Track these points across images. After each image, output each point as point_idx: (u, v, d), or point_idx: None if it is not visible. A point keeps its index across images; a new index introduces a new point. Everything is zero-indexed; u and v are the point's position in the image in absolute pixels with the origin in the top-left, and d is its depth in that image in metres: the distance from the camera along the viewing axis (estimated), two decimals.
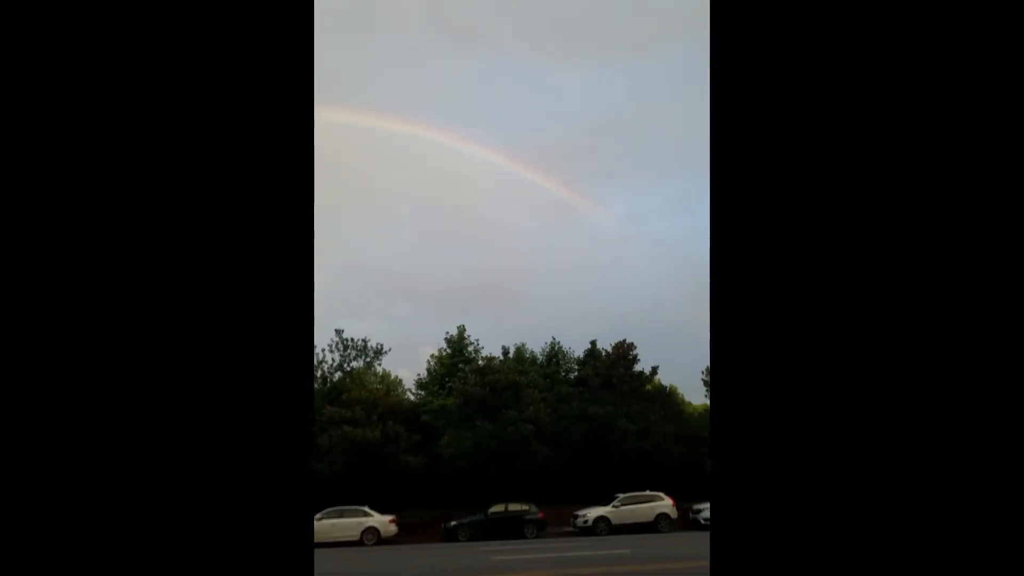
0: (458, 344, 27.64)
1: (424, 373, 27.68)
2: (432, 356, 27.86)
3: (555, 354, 28.53)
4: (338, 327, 27.78)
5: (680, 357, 38.56)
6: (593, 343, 27.02)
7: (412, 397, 27.16)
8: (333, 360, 27.30)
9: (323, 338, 27.50)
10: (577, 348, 28.21)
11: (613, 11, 44.77)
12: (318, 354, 26.87)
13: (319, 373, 26.82)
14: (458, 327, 27.94)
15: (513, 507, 19.50)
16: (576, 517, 19.61)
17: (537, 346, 28.87)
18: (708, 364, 27.09)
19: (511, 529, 18.83)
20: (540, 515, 19.42)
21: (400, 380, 28.19)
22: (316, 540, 18.23)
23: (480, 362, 25.74)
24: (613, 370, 24.77)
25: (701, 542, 15.31)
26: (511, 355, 27.63)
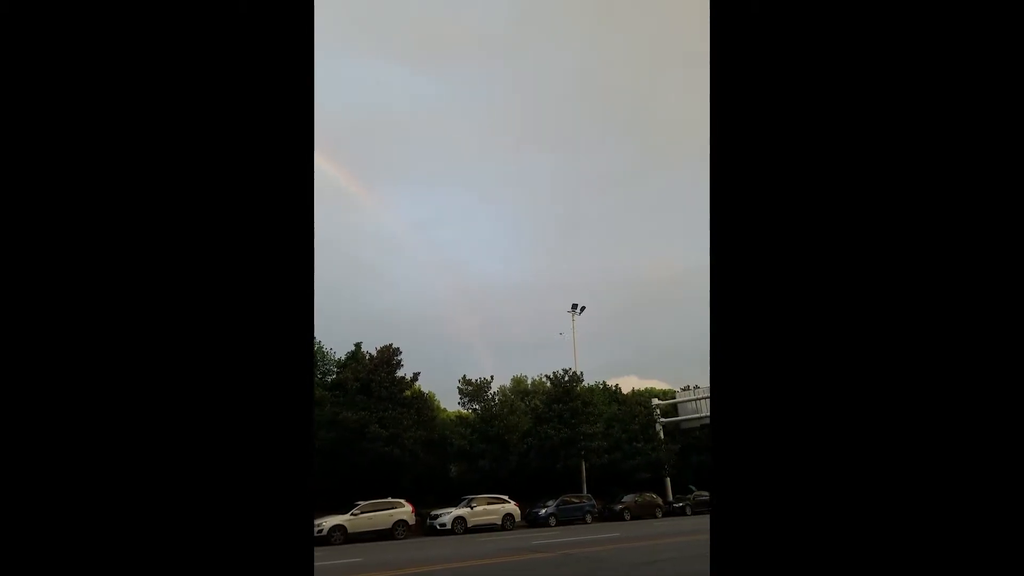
0: None
1: None
2: None
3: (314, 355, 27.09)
4: None
5: (442, 364, 39.89)
6: (357, 346, 26.36)
7: None
8: None
9: None
10: (340, 350, 27.28)
11: (426, 14, 44.97)
12: None
13: None
14: None
15: None
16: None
17: None
18: (465, 373, 28.36)
19: None
20: None
21: None
22: None
23: None
24: (374, 375, 24.44)
25: (432, 547, 15.88)
26: None
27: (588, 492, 25.98)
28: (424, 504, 21.48)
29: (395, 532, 19.38)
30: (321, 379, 26.20)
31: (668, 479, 28.97)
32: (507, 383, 31.86)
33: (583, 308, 31.12)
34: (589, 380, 29.67)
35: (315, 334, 29.02)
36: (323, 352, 27.22)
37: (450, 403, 29.75)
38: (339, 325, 41.66)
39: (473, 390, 27.67)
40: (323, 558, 14.04)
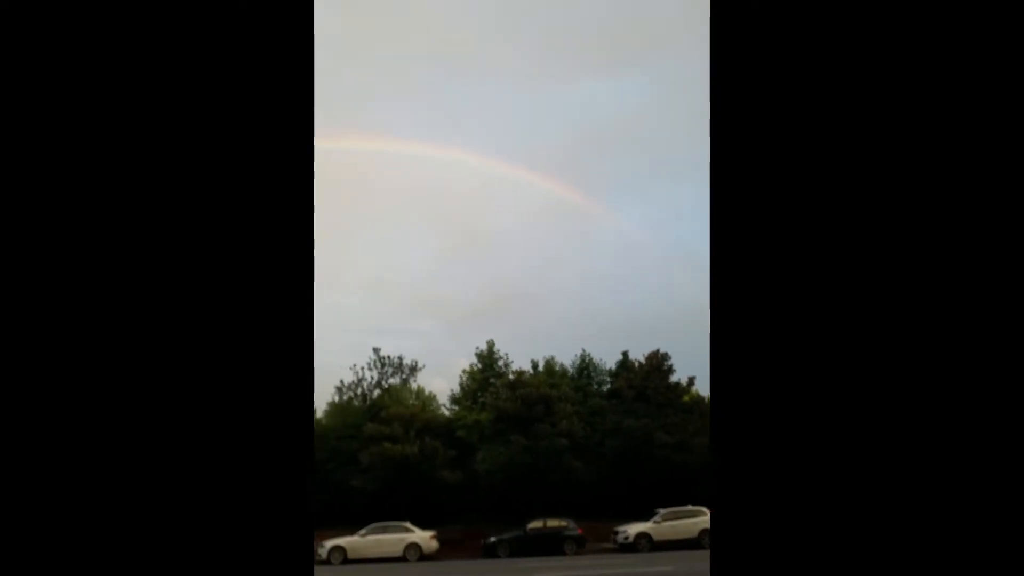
0: (488, 359, 27.74)
1: (457, 388, 27.88)
2: (464, 371, 28.03)
3: (586, 366, 28.38)
4: (373, 345, 28.54)
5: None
6: (625, 354, 26.83)
7: (446, 412, 27.30)
8: (372, 377, 27.79)
9: (361, 356, 29.30)
10: (608, 359, 28.07)
11: (603, 26, 44.55)
12: (357, 372, 27.61)
13: (359, 391, 27.37)
14: (487, 342, 28.06)
15: (552, 523, 19.41)
16: (616, 533, 19.41)
17: (567, 358, 28.80)
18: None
19: (550, 545, 18.74)
20: (579, 531, 19.29)
21: (434, 395, 28.36)
22: (360, 556, 18.36)
23: (511, 376, 25.77)
24: (647, 381, 24.55)
25: None
26: (540, 368, 27.60)
27: None
28: None
29: (701, 541, 18.93)
30: (597, 388, 27.29)
31: None
32: None
33: None
34: None
35: (581, 345, 29.85)
36: (593, 363, 28.37)
37: None
38: (601, 335, 42.95)
39: None
40: (634, 565, 14.44)
